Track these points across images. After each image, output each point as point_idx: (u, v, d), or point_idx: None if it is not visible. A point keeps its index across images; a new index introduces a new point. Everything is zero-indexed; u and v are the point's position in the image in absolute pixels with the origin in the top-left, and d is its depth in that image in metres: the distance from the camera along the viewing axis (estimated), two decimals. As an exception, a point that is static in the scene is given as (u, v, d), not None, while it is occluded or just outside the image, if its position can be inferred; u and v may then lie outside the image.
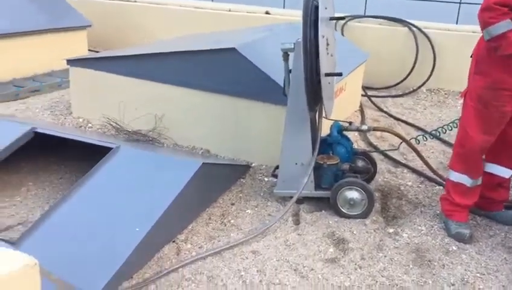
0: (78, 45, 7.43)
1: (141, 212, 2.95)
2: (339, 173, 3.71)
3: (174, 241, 3.14)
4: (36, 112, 5.59)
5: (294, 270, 2.96)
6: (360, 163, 4.01)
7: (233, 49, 4.24)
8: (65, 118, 5.30)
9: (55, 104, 5.87)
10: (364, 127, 4.02)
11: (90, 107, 5.15)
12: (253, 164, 4.33)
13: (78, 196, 3.03)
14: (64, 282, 1.98)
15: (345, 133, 3.95)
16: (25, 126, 3.65)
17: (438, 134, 4.55)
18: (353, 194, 3.55)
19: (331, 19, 3.49)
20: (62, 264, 2.16)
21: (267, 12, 7.63)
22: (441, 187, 4.05)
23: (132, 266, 2.71)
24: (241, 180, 4.08)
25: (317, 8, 3.23)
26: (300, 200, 3.70)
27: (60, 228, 2.83)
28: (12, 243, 2.64)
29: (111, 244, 2.70)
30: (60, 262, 2.11)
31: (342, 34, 6.87)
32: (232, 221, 3.47)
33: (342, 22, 7.03)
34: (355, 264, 3.06)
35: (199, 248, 3.13)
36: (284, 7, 8.56)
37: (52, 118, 5.37)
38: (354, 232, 3.39)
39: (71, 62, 5.20)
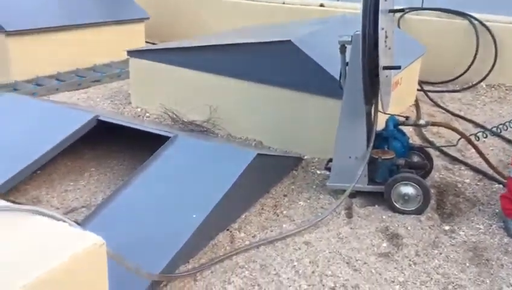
0: (136, 36, 7.66)
1: (198, 199, 3.02)
2: (394, 168, 3.64)
3: (228, 230, 3.20)
4: (97, 101, 5.81)
5: (347, 263, 2.95)
6: (415, 158, 3.93)
7: (289, 42, 4.24)
8: (124, 108, 5.47)
9: (115, 94, 6.08)
10: (422, 122, 3.93)
11: (148, 97, 5.29)
12: (305, 157, 4.33)
13: (138, 182, 3.14)
14: (128, 263, 2.06)
15: (401, 127, 3.88)
16: (88, 114, 3.80)
17: (499, 131, 4.37)
18: (408, 189, 3.48)
19: (391, 11, 3.42)
20: (123, 246, 2.24)
21: (321, 5, 7.57)
22: (501, 185, 3.90)
23: (189, 251, 2.78)
24: (294, 172, 4.09)
25: (377, 0, 3.17)
26: (353, 194, 3.66)
27: (121, 212, 2.94)
28: (78, 224, 2.77)
29: (169, 228, 2.79)
30: (121, 243, 2.19)
31: (399, 27, 6.72)
32: (284, 212, 3.49)
33: (399, 14, 6.87)
34: (410, 260, 3.01)
35: (252, 237, 3.17)
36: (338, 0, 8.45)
37: (112, 107, 5.56)
38: (408, 228, 3.33)
39: (131, 53, 5.36)
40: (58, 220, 1.79)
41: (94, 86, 6.43)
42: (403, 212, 3.49)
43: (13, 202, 2.99)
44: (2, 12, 6.17)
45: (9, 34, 6.04)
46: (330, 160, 3.81)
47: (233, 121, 4.73)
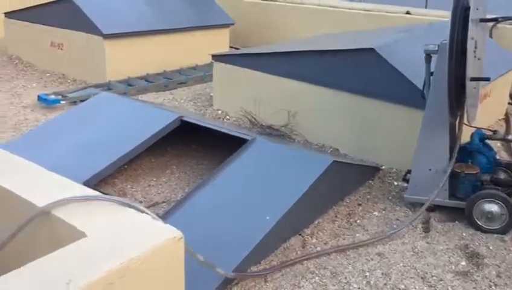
0: (220, 41, 7.88)
1: (272, 202, 3.05)
2: (478, 184, 3.46)
3: (300, 234, 3.20)
4: (181, 102, 6.05)
5: (422, 278, 2.84)
6: (502, 175, 3.70)
7: (371, 50, 4.17)
8: (206, 109, 5.65)
9: (198, 96, 6.29)
10: (511, 137, 3.70)
11: (229, 100, 5.43)
12: (383, 167, 4.23)
13: (216, 182, 3.23)
14: (203, 259, 2.13)
15: (488, 142, 3.67)
16: (173, 114, 3.97)
17: None
18: (492, 207, 3.29)
19: (482, 20, 3.26)
20: (198, 241, 2.31)
21: (407, 12, 7.36)
22: None
23: (260, 252, 2.82)
24: (370, 181, 4.01)
25: (467, 8, 3.04)
26: (432, 208, 3.52)
27: (199, 209, 3.04)
28: (159, 218, 2.90)
29: (243, 228, 2.84)
30: (196, 239, 2.26)
31: (491, 37, 6.36)
32: (358, 221, 3.43)
33: (491, 23, 6.50)
34: (490, 281, 2.84)
35: (324, 243, 3.15)
36: (426, 7, 8.18)
37: (195, 108, 5.76)
38: (490, 248, 3.15)
39: (215, 57, 5.53)
40: (142, 212, 1.89)
41: (179, 87, 6.70)
42: (485, 231, 3.31)
43: (101, 193, 3.19)
44: (100, 16, 6.61)
45: (106, 37, 6.45)
46: (409, 171, 3.70)
47: (310, 127, 4.73)
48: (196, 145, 4.50)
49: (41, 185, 2.07)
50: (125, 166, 3.90)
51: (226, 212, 3.01)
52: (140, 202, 3.52)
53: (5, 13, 7.74)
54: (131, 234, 1.75)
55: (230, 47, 8.10)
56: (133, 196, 3.60)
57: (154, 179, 3.91)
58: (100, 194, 2.01)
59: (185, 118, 3.96)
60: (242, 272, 2.63)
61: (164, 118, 3.89)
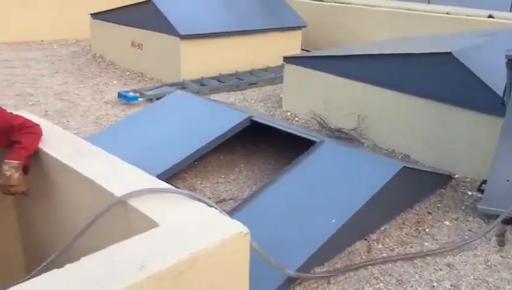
0: (292, 44, 7.91)
1: (338, 205, 3.03)
2: (560, 198, 3.23)
3: (365, 239, 3.15)
4: (251, 102, 6.14)
5: (494, 293, 2.71)
6: None
7: (449, 54, 4.02)
8: (275, 110, 5.69)
9: (268, 97, 6.36)
10: None
11: (298, 102, 5.44)
12: (456, 175, 4.05)
13: (284, 181, 3.25)
14: (267, 256, 2.16)
15: None
16: (243, 114, 4.04)
17: None
18: None
19: None
20: (263, 239, 2.35)
21: (490, 16, 7.00)
22: None
23: (325, 254, 2.81)
24: (441, 190, 3.86)
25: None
26: (508, 221, 3.33)
27: (265, 207, 3.08)
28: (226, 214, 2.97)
29: (308, 229, 2.84)
30: (261, 236, 2.29)
31: None
32: (427, 230, 3.32)
33: None
34: None
35: (390, 250, 3.08)
36: (510, 10, 7.74)
37: (264, 109, 5.83)
38: None
39: (286, 59, 5.56)
40: (211, 207, 1.95)
41: (250, 88, 6.80)
42: None
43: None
44: (177, 18, 6.86)
45: (182, 37, 6.68)
46: (484, 181, 3.53)
47: (380, 131, 4.63)
48: (265, 145, 4.55)
49: (119, 176, 2.18)
50: (196, 162, 4.02)
51: (291, 212, 3.03)
52: (209, 197, 3.61)
53: (91, 14, 8.23)
54: (200, 227, 1.81)
55: (302, 49, 8.10)
56: (202, 191, 3.71)
57: (223, 177, 4.00)
58: (173, 187, 2.09)
59: (254, 118, 4.02)
60: (305, 272, 2.63)
61: (234, 117, 3.98)
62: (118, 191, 2.00)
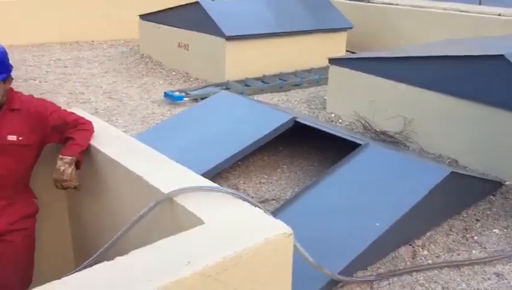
0: (337, 45, 7.84)
1: (382, 209, 2.98)
2: None
3: (410, 245, 3.08)
4: (295, 104, 6.13)
5: (546, 306, 2.59)
6: None
7: (501, 57, 3.88)
8: (319, 112, 5.66)
9: (312, 98, 6.33)
10: None
11: (342, 104, 5.38)
12: (506, 182, 3.90)
13: (327, 183, 3.23)
14: (310, 258, 2.15)
15: None
16: (287, 115, 4.05)
17: None
18: None
19: None
20: (305, 240, 2.34)
21: (545, 17, 6.70)
22: None
23: (368, 258, 2.77)
24: (491, 197, 3.73)
25: None
26: None
27: (308, 209, 3.07)
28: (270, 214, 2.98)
29: (351, 232, 2.81)
30: (303, 238, 2.29)
31: None
32: (475, 237, 3.22)
33: None
34: None
35: (436, 257, 3.00)
36: None
37: (308, 110, 5.80)
38: None
39: (332, 61, 5.52)
40: (255, 206, 1.96)
41: (294, 89, 6.79)
42: None
43: (217, 185, 3.36)
44: (223, 19, 6.94)
45: (228, 38, 6.75)
46: (537, 189, 3.38)
47: (427, 135, 4.52)
48: (308, 146, 4.53)
49: (166, 174, 2.23)
50: (239, 162, 4.05)
51: (334, 214, 3.00)
52: (252, 197, 3.63)
53: (139, 15, 8.44)
54: (244, 226, 1.83)
55: (347, 51, 8.02)
56: (245, 191, 3.73)
57: (266, 177, 4.01)
58: (218, 186, 2.12)
59: (298, 119, 4.01)
60: (348, 276, 2.61)
61: (278, 118, 3.98)
62: (165, 188, 2.05)
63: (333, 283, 2.56)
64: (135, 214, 2.08)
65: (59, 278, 2.46)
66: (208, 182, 2.19)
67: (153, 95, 6.36)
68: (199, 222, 1.86)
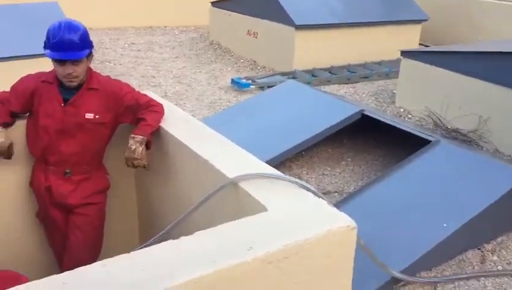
0: (410, 37, 7.56)
1: (451, 209, 2.85)
2: None
3: (479, 249, 2.94)
4: (362, 96, 5.99)
5: None
6: None
7: None
8: (388, 106, 5.50)
9: (380, 91, 6.16)
10: None
11: (413, 98, 5.19)
12: None
13: (393, 179, 3.14)
14: (373, 253, 2.11)
15: None
16: (354, 107, 3.96)
17: None
18: None
19: None
20: (368, 236, 2.29)
21: None
22: None
23: (433, 259, 2.67)
24: None
25: None
26: None
27: (372, 204, 3.00)
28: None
29: (417, 231, 2.72)
30: (367, 233, 2.24)
31: None
32: (552, 247, 3.02)
33: None
34: None
35: (507, 263, 2.84)
36: None
37: (376, 104, 5.66)
38: None
39: (404, 53, 5.33)
40: (319, 197, 1.94)
41: (362, 82, 6.64)
42: None
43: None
44: (294, 8, 6.88)
45: (297, 27, 6.70)
46: None
47: (504, 135, 4.27)
48: (373, 140, 4.42)
49: (232, 159, 2.25)
50: (303, 152, 4.03)
51: (400, 211, 2.92)
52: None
53: (211, 2, 8.56)
54: (307, 216, 1.81)
55: (420, 44, 7.72)
56: (308, 182, 3.71)
57: (329, 169, 3.96)
58: (282, 174, 2.11)
59: (366, 112, 3.92)
60: (410, 275, 2.53)
61: (346, 110, 3.92)
62: (231, 173, 2.07)
63: (394, 281, 2.50)
64: (200, 196, 2.11)
65: (125, 253, 2.55)
66: (272, 170, 2.19)
67: (220, 81, 6.44)
68: (262, 208, 1.86)
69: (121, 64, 7.09)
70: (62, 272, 2.51)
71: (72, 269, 2.58)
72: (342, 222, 1.82)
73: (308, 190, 1.99)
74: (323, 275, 1.78)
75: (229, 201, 2.08)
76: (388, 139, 4.27)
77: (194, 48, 8.21)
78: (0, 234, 2.56)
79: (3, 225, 2.56)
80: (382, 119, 3.91)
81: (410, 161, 3.26)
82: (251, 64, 7.33)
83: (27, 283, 1.28)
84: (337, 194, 3.54)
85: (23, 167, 2.52)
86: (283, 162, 3.77)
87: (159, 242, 2.04)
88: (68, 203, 2.42)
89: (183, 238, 1.64)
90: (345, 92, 6.13)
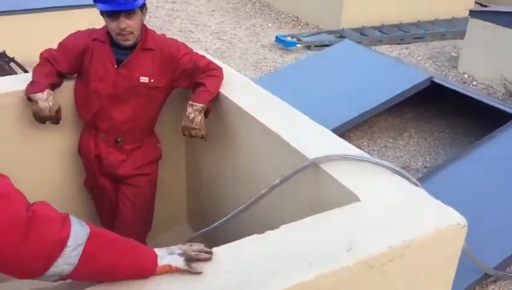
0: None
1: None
2: None
3: None
4: (418, 59, 5.62)
5: None
6: None
7: None
8: (449, 71, 5.14)
9: (437, 54, 5.77)
10: None
11: (481, 63, 4.81)
12: None
13: (474, 158, 2.86)
14: (470, 251, 1.87)
15: None
16: (423, 74, 3.64)
17: None
18: None
19: None
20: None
21: None
22: None
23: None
24: None
25: None
26: None
27: (453, 186, 2.73)
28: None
29: (507, 222, 2.47)
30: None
31: None
32: None
33: None
34: None
35: None
36: None
37: (434, 68, 5.29)
38: None
39: (473, 13, 4.92)
40: (416, 185, 1.70)
41: (415, 42, 6.25)
42: None
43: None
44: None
45: (348, -18, 6.28)
46: None
47: None
48: (436, 109, 4.11)
49: (305, 133, 2.02)
50: (363, 121, 3.76)
51: (487, 197, 2.65)
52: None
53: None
54: (409, 209, 1.59)
55: (476, 2, 7.19)
56: (370, 155, 3.46)
57: (391, 141, 3.70)
58: (369, 156, 1.87)
59: (435, 80, 3.60)
60: (501, 270, 2.30)
61: (413, 76, 3.61)
62: (310, 152, 1.85)
63: (485, 276, 2.28)
64: (268, 177, 1.92)
65: (171, 230, 2.36)
66: (357, 150, 1.96)
67: (262, 38, 6.13)
68: (353, 197, 1.64)
69: (156, 17, 6.82)
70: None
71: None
72: (451, 218, 1.59)
73: (403, 176, 1.75)
74: (425, 277, 1.58)
75: (307, 185, 1.87)
76: (454, 108, 3.96)
77: (231, 1, 7.85)
78: (50, 202, 2.44)
79: (50, 192, 2.42)
80: (455, 88, 3.59)
81: (492, 138, 2.97)
82: (293, 20, 6.97)
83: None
84: (404, 171, 3.28)
85: (71, 132, 2.37)
86: (343, 133, 3.52)
87: (224, 224, 1.84)
88: (119, 173, 2.27)
89: (268, 234, 1.44)
90: (399, 54, 5.76)
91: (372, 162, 1.79)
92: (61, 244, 1.01)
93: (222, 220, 1.79)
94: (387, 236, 1.45)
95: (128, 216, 2.34)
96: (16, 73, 3.10)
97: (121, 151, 2.25)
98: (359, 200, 1.62)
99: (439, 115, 4.06)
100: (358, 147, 3.54)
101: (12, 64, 3.09)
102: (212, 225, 1.79)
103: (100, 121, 2.21)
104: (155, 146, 2.38)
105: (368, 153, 3.51)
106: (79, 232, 1.05)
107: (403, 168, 3.32)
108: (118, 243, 1.15)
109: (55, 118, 2.16)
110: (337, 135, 3.33)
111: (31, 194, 2.33)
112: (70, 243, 1.03)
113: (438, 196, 2.52)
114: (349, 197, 1.64)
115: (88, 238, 1.07)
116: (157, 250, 1.23)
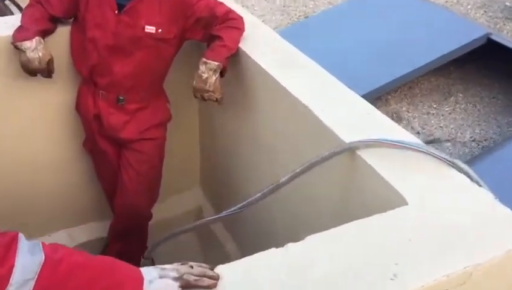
0: None
1: None
2: None
3: None
4: (468, 8, 5.09)
5: None
6: None
7: None
8: (503, 24, 4.62)
9: (489, 3, 5.22)
10: None
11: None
12: None
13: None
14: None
15: None
16: (480, 29, 3.20)
17: None
18: None
19: None
20: None
21: None
22: None
23: None
24: None
25: None
26: None
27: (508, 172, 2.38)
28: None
29: None
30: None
31: None
32: None
33: None
34: None
35: None
36: None
37: (487, 19, 4.78)
38: None
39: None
40: (479, 185, 1.36)
41: (466, -11, 5.67)
42: None
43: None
44: None
45: None
46: None
47: None
48: (487, 70, 3.66)
49: (341, 107, 1.70)
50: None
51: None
52: (417, 133, 3.00)
53: None
54: (475, 222, 1.26)
55: None
56: (409, 123, 3.11)
57: (435, 106, 3.31)
58: (421, 143, 1.53)
59: (493, 37, 3.15)
60: None
61: (468, 31, 3.17)
62: (345, 134, 1.53)
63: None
64: (291, 153, 1.70)
65: (182, 194, 2.09)
66: (404, 133, 1.61)
67: (293, -23, 5.64)
68: (397, 198, 1.33)
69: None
70: (114, 213, 2.17)
71: (126, 213, 2.22)
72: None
73: (466, 174, 1.41)
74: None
75: (339, 175, 1.59)
76: (509, 70, 3.51)
77: None
78: (44, 163, 2.25)
79: (47, 153, 2.26)
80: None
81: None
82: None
83: None
84: (449, 144, 2.92)
85: (68, 86, 2.13)
86: (380, 97, 3.15)
87: (247, 206, 1.55)
88: (121, 137, 2.05)
89: (289, 246, 1.15)
90: (446, 1, 5.22)
91: (425, 152, 1.44)
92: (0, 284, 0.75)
93: (240, 205, 1.51)
94: (444, 260, 1.14)
95: (131, 186, 2.14)
96: (12, 13, 2.82)
97: (124, 112, 2.01)
98: (406, 204, 1.31)
99: (491, 77, 3.62)
100: (397, 112, 3.21)
101: (7, 2, 2.80)
102: (229, 209, 1.51)
103: (99, 76, 1.96)
104: (163, 107, 2.13)
105: (407, 119, 3.17)
106: (28, 262, 0.79)
107: (448, 140, 2.97)
108: (86, 268, 0.89)
109: (46, 70, 1.92)
110: (373, 98, 2.99)
111: (21, 156, 2.07)
112: (16, 278, 0.77)
113: (495, 188, 2.17)
114: (393, 198, 1.34)
115: (41, 269, 0.80)
116: (145, 271, 0.97)
